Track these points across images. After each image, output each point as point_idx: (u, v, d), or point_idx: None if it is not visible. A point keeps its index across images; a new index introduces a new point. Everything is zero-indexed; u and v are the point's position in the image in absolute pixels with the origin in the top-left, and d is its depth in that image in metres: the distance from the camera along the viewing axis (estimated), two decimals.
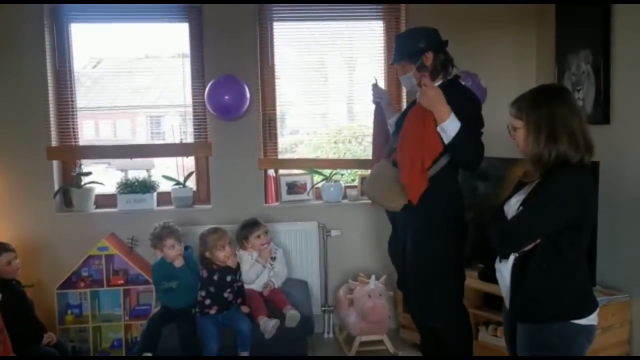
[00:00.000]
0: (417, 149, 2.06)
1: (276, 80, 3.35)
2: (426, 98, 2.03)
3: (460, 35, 3.22)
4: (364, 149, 3.53)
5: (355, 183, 3.45)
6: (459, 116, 2.01)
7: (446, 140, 2.02)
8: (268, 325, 2.57)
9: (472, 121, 2.07)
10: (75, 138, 3.28)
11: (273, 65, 3.33)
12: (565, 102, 1.60)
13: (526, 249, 1.59)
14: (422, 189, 2.07)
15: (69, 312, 3.05)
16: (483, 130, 2.15)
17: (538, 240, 1.57)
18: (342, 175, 3.55)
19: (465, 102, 2.10)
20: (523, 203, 1.61)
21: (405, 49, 2.20)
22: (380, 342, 2.99)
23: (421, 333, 2.46)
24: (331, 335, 3.28)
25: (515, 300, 1.63)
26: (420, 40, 2.17)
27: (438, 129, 2.02)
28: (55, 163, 3.21)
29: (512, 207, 1.66)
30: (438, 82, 2.18)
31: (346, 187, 3.40)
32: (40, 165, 3.14)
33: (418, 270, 2.18)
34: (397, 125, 2.37)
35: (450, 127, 2.00)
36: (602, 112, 2.68)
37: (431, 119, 2.03)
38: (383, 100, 2.51)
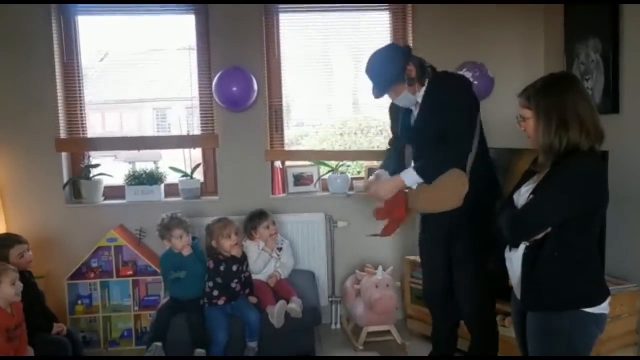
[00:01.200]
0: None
1: (282, 72, 3.35)
2: (381, 196, 2.27)
3: (468, 25, 3.21)
4: (370, 141, 3.53)
5: (362, 175, 3.45)
6: (443, 118, 2.09)
7: (423, 180, 2.16)
8: (274, 313, 2.59)
9: (458, 123, 2.11)
10: (83, 130, 3.30)
11: (279, 57, 3.33)
12: (575, 90, 1.58)
13: (537, 237, 1.57)
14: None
15: (80, 302, 3.09)
16: (479, 116, 2.18)
17: (549, 229, 1.55)
18: (349, 167, 3.55)
19: (450, 103, 2.12)
20: (534, 191, 1.59)
21: (389, 77, 2.17)
22: (388, 332, 3.00)
23: (435, 324, 2.51)
24: (339, 326, 3.29)
25: (527, 289, 1.61)
26: (397, 60, 2.16)
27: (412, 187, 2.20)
28: (64, 155, 3.23)
29: (523, 196, 1.64)
30: (424, 88, 2.18)
31: (353, 179, 3.40)
32: (50, 158, 3.17)
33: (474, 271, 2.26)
34: (401, 125, 2.35)
35: (410, 179, 2.17)
36: (612, 102, 2.65)
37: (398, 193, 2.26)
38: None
